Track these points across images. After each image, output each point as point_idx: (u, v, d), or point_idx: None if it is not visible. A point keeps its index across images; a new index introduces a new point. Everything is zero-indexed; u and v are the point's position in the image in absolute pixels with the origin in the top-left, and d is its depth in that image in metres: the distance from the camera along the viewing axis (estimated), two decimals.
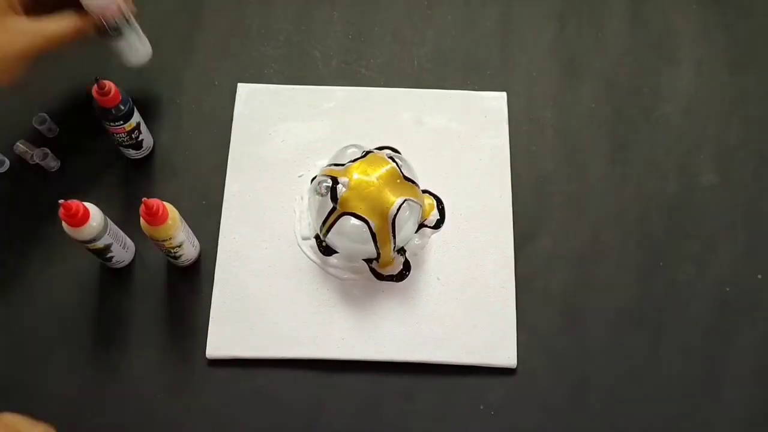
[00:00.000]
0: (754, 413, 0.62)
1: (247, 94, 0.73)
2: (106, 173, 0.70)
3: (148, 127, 0.68)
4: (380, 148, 0.66)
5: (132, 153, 0.69)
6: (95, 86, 0.60)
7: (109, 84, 0.61)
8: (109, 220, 0.60)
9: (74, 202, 0.56)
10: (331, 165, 0.64)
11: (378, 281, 0.65)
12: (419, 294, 0.65)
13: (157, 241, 0.60)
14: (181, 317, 0.65)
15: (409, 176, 0.62)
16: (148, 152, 0.70)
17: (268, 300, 0.65)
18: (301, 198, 0.69)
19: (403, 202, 0.60)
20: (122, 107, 0.63)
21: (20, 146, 0.69)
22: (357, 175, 0.60)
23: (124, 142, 0.66)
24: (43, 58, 0.76)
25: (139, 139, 0.67)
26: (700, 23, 0.77)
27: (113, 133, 0.65)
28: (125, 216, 0.66)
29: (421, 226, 0.67)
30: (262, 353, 0.63)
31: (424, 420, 0.62)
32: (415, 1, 0.79)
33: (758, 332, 0.65)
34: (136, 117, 0.65)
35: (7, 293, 0.66)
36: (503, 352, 0.63)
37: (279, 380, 0.63)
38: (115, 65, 0.69)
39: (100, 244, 0.60)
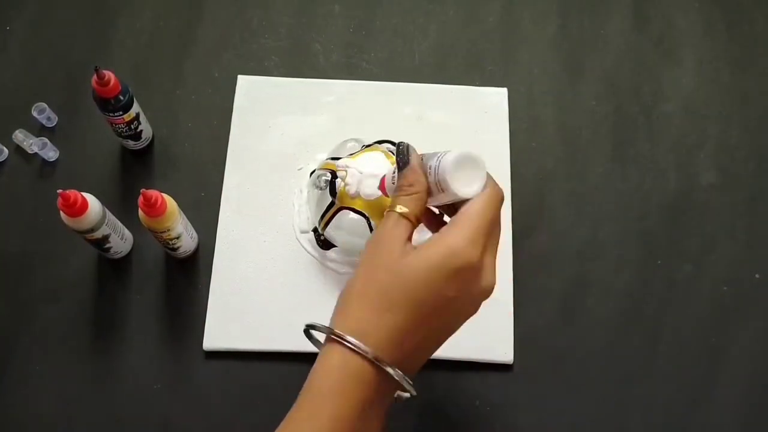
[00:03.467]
0: (751, 411, 0.62)
1: (247, 86, 0.73)
2: (105, 164, 0.70)
3: (147, 119, 0.68)
4: (380, 142, 0.66)
5: (131, 144, 0.69)
6: (95, 76, 0.60)
7: (108, 74, 0.61)
8: (107, 211, 0.60)
9: (72, 192, 0.56)
10: (330, 159, 0.63)
11: None
12: None
13: (156, 232, 0.60)
14: (179, 309, 0.65)
15: None
16: (147, 143, 0.70)
17: (266, 293, 0.65)
18: (300, 191, 0.68)
19: None
20: (121, 97, 0.62)
21: (19, 135, 0.69)
22: None
23: (123, 132, 0.66)
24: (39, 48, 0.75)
25: (138, 129, 0.67)
26: (701, 22, 0.77)
27: (112, 124, 0.65)
28: (124, 207, 0.66)
29: None
30: (259, 346, 0.63)
31: (420, 415, 0.62)
32: None
33: (755, 331, 0.65)
34: (136, 107, 0.65)
35: (4, 284, 0.66)
36: (500, 348, 0.63)
37: (276, 373, 0.63)
38: (115, 54, 0.69)
39: (98, 234, 0.60)
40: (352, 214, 0.60)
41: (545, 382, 0.63)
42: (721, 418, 0.62)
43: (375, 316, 0.41)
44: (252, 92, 0.73)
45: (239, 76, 0.73)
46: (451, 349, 0.62)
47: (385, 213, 0.45)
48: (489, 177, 0.44)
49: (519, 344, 0.64)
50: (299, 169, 0.70)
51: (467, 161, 0.43)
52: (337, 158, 0.62)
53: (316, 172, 0.64)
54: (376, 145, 0.63)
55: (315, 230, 0.66)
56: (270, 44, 0.75)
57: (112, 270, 0.66)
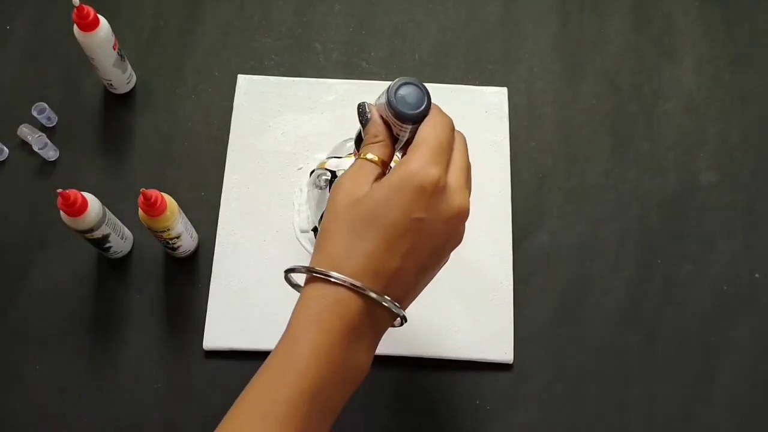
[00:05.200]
0: (750, 410, 0.63)
1: (247, 85, 0.73)
2: (105, 163, 0.70)
3: (147, 117, 0.68)
4: None
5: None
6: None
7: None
8: (107, 210, 0.60)
9: (72, 192, 0.56)
10: (330, 158, 0.63)
11: None
12: None
13: (156, 232, 0.60)
14: (179, 309, 0.65)
15: None
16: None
17: (266, 292, 0.65)
18: (300, 191, 0.68)
19: None
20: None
21: (24, 129, 0.69)
22: None
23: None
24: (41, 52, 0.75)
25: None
26: (701, 21, 0.77)
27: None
28: (124, 206, 0.66)
29: None
30: (258, 345, 0.63)
31: (420, 414, 0.62)
32: None
33: (755, 330, 0.65)
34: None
35: (4, 283, 0.66)
36: (500, 348, 0.63)
37: None
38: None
39: (98, 234, 0.60)
40: None
41: (545, 381, 0.63)
42: (720, 417, 0.62)
43: (346, 248, 0.42)
44: (252, 91, 0.73)
45: (239, 75, 0.73)
46: (451, 348, 0.63)
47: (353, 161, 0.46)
48: (434, 105, 0.45)
49: (519, 344, 0.64)
50: (299, 169, 0.70)
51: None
52: (338, 158, 0.62)
53: (316, 171, 0.64)
54: None
55: (315, 229, 0.66)
56: (270, 43, 0.75)
57: (112, 269, 0.66)
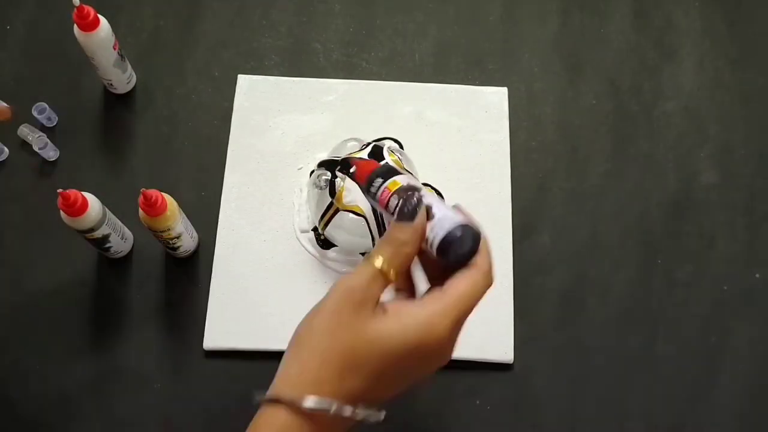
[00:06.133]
0: (751, 411, 0.63)
1: (247, 85, 0.73)
2: (105, 163, 0.70)
3: (147, 117, 0.68)
4: (381, 140, 0.66)
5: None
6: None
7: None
8: (107, 210, 0.60)
9: (72, 192, 0.56)
10: (330, 158, 0.63)
11: None
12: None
13: (156, 231, 0.60)
14: (179, 308, 0.65)
15: (408, 170, 0.62)
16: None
17: (266, 292, 0.65)
18: (300, 191, 0.68)
19: None
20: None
21: (24, 129, 0.69)
22: None
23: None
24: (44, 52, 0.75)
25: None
26: (702, 21, 0.77)
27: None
28: (124, 206, 0.65)
29: None
30: (259, 345, 0.63)
31: (420, 414, 0.62)
32: None
33: (755, 330, 0.65)
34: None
35: (5, 283, 0.66)
36: (500, 348, 0.63)
37: (275, 372, 0.63)
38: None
39: (98, 233, 0.60)
40: (352, 214, 0.60)
41: (545, 381, 0.63)
42: (721, 417, 0.62)
43: (337, 379, 0.39)
44: (252, 91, 0.73)
45: (239, 76, 0.73)
46: None
47: (363, 259, 0.41)
48: (488, 257, 0.41)
49: (519, 344, 0.64)
50: (299, 169, 0.70)
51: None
52: (337, 157, 0.62)
53: (316, 171, 0.64)
54: (375, 143, 0.63)
55: (315, 229, 0.66)
56: (270, 43, 0.75)
57: (113, 269, 0.66)
